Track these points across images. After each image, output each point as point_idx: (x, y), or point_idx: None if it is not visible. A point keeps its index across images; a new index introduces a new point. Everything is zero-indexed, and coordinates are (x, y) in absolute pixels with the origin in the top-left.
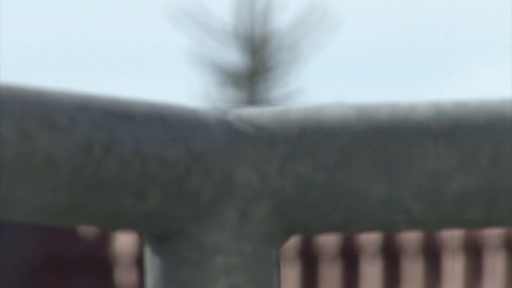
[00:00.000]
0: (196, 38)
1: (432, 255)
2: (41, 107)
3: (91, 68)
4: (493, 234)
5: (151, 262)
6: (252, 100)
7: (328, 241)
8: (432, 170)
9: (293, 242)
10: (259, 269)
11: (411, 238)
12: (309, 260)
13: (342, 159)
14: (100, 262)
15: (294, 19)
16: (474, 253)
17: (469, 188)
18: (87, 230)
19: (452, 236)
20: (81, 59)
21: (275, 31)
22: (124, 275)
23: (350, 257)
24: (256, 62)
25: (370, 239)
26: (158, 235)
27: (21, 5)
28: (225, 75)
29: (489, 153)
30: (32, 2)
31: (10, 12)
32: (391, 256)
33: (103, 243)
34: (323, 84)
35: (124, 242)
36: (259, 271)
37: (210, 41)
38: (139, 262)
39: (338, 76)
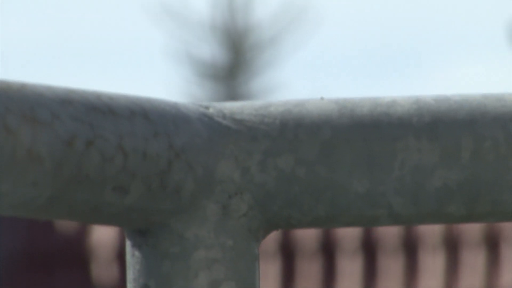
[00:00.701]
0: (175, 32)
1: (411, 250)
2: (23, 101)
3: (71, 63)
4: (472, 229)
5: (132, 255)
6: (233, 95)
7: (307, 236)
8: (413, 165)
9: (273, 237)
10: (240, 263)
11: (390, 233)
12: (288, 255)
13: (323, 153)
14: (79, 256)
15: (275, 12)
16: (453, 248)
17: (451, 183)
18: (67, 224)
19: (432, 231)
20: (60, 54)
21: (255, 25)
22: (104, 269)
23: (329, 252)
24: (236, 56)
25: (349, 234)
26: (140, 229)
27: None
28: (204, 69)
29: (470, 148)
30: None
31: None
32: (370, 251)
33: (83, 236)
34: (304, 79)
35: (105, 235)
36: (240, 265)
37: (190, 35)
38: (120, 256)
39: (320, 70)
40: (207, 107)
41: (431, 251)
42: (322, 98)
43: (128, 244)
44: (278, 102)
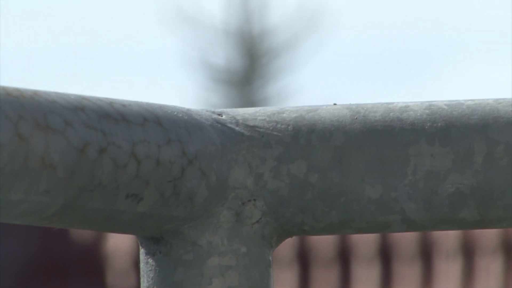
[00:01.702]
0: (189, 38)
1: (427, 257)
2: (36, 109)
3: (84, 70)
4: (488, 235)
5: (146, 263)
6: (247, 100)
7: (323, 243)
8: (426, 170)
9: (289, 245)
10: (253, 270)
11: (406, 239)
12: (305, 263)
13: (336, 159)
14: (94, 263)
15: (290, 17)
16: (469, 254)
17: (463, 188)
18: (82, 232)
19: (448, 237)
20: (73, 61)
21: (270, 30)
22: (119, 276)
23: (345, 259)
24: (251, 61)
25: (365, 241)
26: (153, 237)
27: (17, 7)
28: (219, 75)
29: (483, 153)
30: (25, 5)
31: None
32: (386, 258)
33: (98, 244)
34: (319, 85)
35: (120, 243)
36: (254, 272)
37: (204, 41)
38: (135, 264)
39: (333, 76)
40: (220, 114)
41: (447, 257)
42: (335, 104)
43: (142, 251)
44: (291, 108)
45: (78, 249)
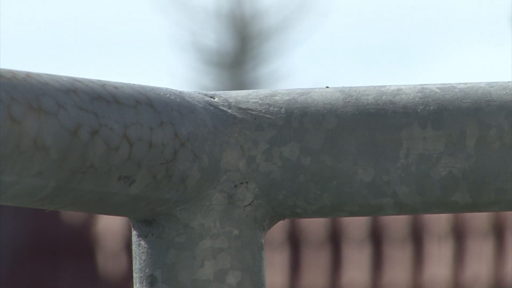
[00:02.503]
0: (180, 20)
1: (418, 239)
2: (29, 91)
3: (75, 53)
4: (479, 218)
5: (138, 245)
6: (239, 83)
7: (314, 225)
8: (418, 153)
9: (280, 227)
10: (245, 252)
11: (397, 222)
12: (295, 245)
13: (328, 142)
14: (86, 245)
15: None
16: (459, 237)
17: (456, 172)
18: (73, 213)
19: (439, 220)
20: (64, 44)
21: (262, 12)
22: (110, 258)
23: (336, 241)
24: (242, 44)
25: (356, 223)
26: (145, 219)
27: None
28: (210, 57)
29: (475, 136)
30: None
31: None
32: (377, 240)
33: (89, 226)
34: (310, 67)
35: (111, 225)
36: (246, 255)
37: (195, 23)
38: (126, 246)
39: (326, 59)
40: (212, 96)
41: (438, 240)
42: (327, 87)
43: (134, 234)
44: (283, 91)
45: (69, 230)
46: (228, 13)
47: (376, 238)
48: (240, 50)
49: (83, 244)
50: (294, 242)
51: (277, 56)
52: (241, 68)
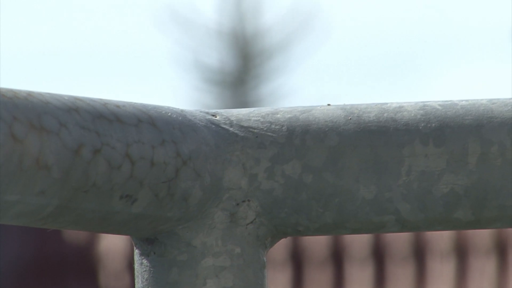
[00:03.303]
0: (182, 39)
1: (421, 257)
2: (30, 110)
3: (77, 71)
4: (481, 235)
5: (140, 264)
6: (241, 101)
7: (317, 243)
8: (420, 170)
9: (283, 245)
10: (248, 270)
11: (399, 240)
12: (298, 263)
13: (330, 160)
14: (89, 264)
15: (283, 18)
16: (462, 255)
17: (458, 189)
18: (76, 232)
19: (441, 237)
20: (66, 62)
21: (264, 31)
22: (113, 278)
23: (338, 260)
24: (244, 62)
25: (358, 241)
26: (147, 238)
27: (10, 8)
28: (212, 76)
29: (477, 153)
30: (18, 5)
31: None
32: (380, 258)
33: (92, 245)
34: (311, 85)
35: (114, 244)
36: (248, 273)
37: (197, 41)
38: (129, 265)
39: (326, 77)
40: (214, 115)
41: (441, 258)
42: (329, 105)
43: (136, 252)
44: (285, 109)
45: (72, 250)
46: (230, 31)
47: (379, 256)
48: (242, 68)
49: (86, 263)
50: (297, 261)
51: (279, 74)
52: (243, 86)
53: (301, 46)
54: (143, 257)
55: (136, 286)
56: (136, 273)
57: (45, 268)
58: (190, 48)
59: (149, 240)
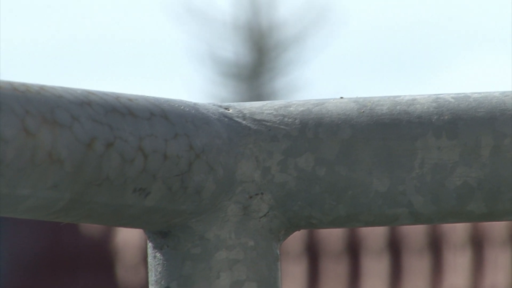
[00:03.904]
0: (196, 32)
1: (436, 249)
2: (43, 104)
3: (90, 64)
4: (497, 227)
5: (153, 257)
6: (256, 94)
7: (333, 236)
8: (433, 163)
9: (298, 238)
10: (261, 263)
11: (415, 231)
12: (314, 256)
13: (343, 152)
14: (104, 258)
15: (298, 11)
16: (477, 247)
17: (471, 181)
18: (92, 226)
19: (456, 229)
20: (80, 55)
21: (278, 24)
22: (129, 271)
23: (354, 252)
24: (258, 55)
25: (374, 234)
26: (161, 231)
27: (21, 2)
28: (227, 69)
29: (490, 145)
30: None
31: (10, 9)
32: (396, 251)
33: (108, 238)
34: (325, 78)
35: (130, 237)
36: (262, 266)
37: (212, 35)
38: (143, 257)
39: (340, 69)
40: (227, 108)
41: (456, 249)
42: (341, 98)
43: (149, 246)
44: (298, 102)
45: (88, 243)
46: (245, 24)
47: (394, 248)
48: (257, 61)
49: (101, 256)
50: (312, 253)
51: (294, 67)
52: (257, 80)
53: (316, 39)
54: (156, 251)
55: (149, 279)
56: (149, 266)
57: (61, 261)
58: (205, 41)
59: (162, 234)
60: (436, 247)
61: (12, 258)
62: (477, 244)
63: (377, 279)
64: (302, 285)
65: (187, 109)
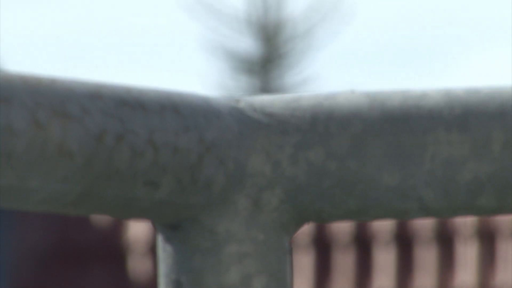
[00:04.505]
0: (209, 26)
1: (446, 242)
2: (54, 96)
3: (104, 57)
4: (505, 220)
5: (163, 250)
6: (265, 88)
7: (342, 228)
8: (444, 157)
9: (306, 230)
10: (271, 257)
11: (424, 225)
12: (323, 248)
13: (354, 146)
14: (113, 251)
15: (308, 5)
16: (487, 240)
17: (481, 176)
18: (103, 218)
19: (465, 222)
20: (94, 48)
21: (289, 18)
22: (137, 263)
23: (363, 245)
24: (270, 49)
25: (383, 226)
26: (171, 224)
27: None
28: (238, 63)
29: (501, 140)
30: None
31: (24, 2)
32: (405, 243)
33: (118, 231)
34: (335, 72)
35: (138, 230)
36: (272, 259)
37: (224, 28)
38: (153, 250)
39: (350, 63)
40: (237, 101)
41: (465, 242)
42: (352, 91)
43: (159, 239)
44: (308, 95)
45: (99, 235)
46: (256, 18)
47: (404, 241)
48: (268, 55)
49: (112, 249)
50: (321, 245)
51: (305, 61)
52: (269, 73)
53: (326, 33)
54: (166, 244)
55: (159, 272)
56: (159, 260)
57: (71, 254)
58: (217, 35)
59: (172, 227)
60: (445, 240)
61: (23, 251)
62: (487, 237)
63: (386, 271)
64: (312, 277)
65: (198, 103)
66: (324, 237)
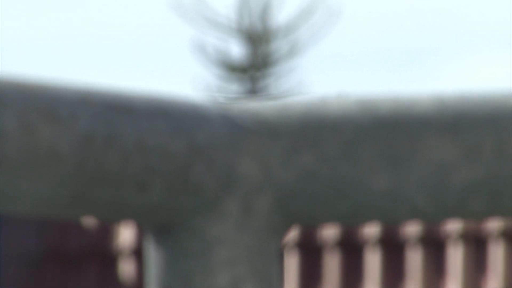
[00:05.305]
0: (198, 31)
1: (434, 246)
2: (43, 100)
3: (94, 59)
4: (495, 225)
5: (153, 254)
6: (255, 93)
7: (330, 231)
8: (435, 162)
9: (293, 233)
10: (261, 261)
11: (412, 228)
12: (311, 250)
13: (345, 151)
14: (101, 254)
15: (296, 12)
16: (476, 244)
17: (473, 180)
18: (89, 222)
19: (454, 226)
20: (83, 50)
21: (277, 25)
22: (127, 267)
23: (351, 248)
24: (259, 55)
25: (371, 230)
26: (160, 227)
27: None
28: (227, 68)
29: (492, 145)
30: None
31: (12, 4)
32: (393, 247)
33: (104, 235)
34: (325, 77)
35: (126, 233)
36: (262, 263)
37: (213, 35)
38: (140, 254)
39: (340, 68)
40: (228, 105)
41: (454, 246)
42: (339, 95)
43: (149, 242)
44: (299, 100)
45: (89, 240)
46: (247, 24)
47: (392, 244)
48: (258, 61)
49: (103, 253)
50: (309, 248)
51: (294, 66)
52: (259, 78)
53: (315, 38)
54: (155, 247)
55: (149, 275)
56: (148, 263)
57: (64, 257)
58: (206, 41)
59: (162, 230)
60: (434, 244)
61: (16, 255)
62: (475, 241)
63: (374, 275)
64: (297, 281)
65: (188, 106)
66: (311, 241)
